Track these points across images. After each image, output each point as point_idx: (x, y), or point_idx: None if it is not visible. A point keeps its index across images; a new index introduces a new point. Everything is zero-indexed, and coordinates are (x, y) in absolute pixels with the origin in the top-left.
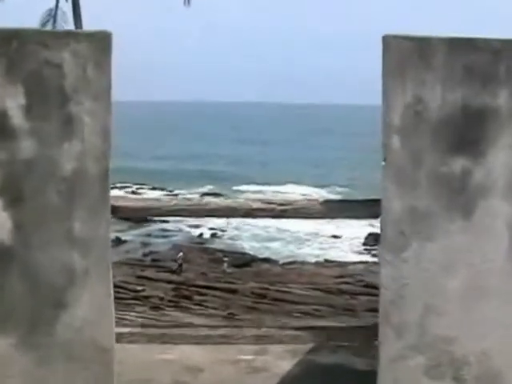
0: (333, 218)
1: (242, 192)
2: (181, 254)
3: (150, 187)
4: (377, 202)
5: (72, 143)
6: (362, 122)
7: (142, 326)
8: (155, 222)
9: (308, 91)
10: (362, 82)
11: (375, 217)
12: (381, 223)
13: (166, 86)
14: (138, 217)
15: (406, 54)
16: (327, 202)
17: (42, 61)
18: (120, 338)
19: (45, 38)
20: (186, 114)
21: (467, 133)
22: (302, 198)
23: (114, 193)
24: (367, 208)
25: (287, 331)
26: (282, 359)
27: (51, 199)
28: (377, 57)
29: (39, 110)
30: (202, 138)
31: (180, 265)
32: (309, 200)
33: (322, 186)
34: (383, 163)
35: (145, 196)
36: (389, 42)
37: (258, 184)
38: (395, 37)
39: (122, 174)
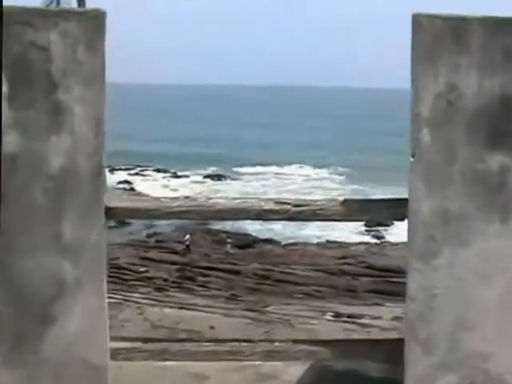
0: (355, 220)
1: (242, 174)
2: (188, 236)
3: (154, 169)
4: (403, 201)
5: (60, 136)
6: (358, 104)
7: (141, 340)
8: None
9: (304, 76)
10: (360, 67)
11: (401, 219)
12: (408, 226)
13: (161, 70)
14: (136, 219)
15: (438, 36)
16: (348, 201)
17: (26, 43)
18: (115, 354)
19: (29, 16)
20: (182, 98)
21: (506, 125)
22: (319, 197)
23: (119, 175)
24: (392, 209)
25: (301, 346)
26: (291, 365)
27: (37, 199)
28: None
29: (23, 98)
30: (201, 121)
31: (187, 246)
32: (328, 200)
33: (322, 166)
34: (411, 159)
35: (149, 177)
36: (420, 21)
37: (259, 165)
38: (427, 16)
39: (123, 157)
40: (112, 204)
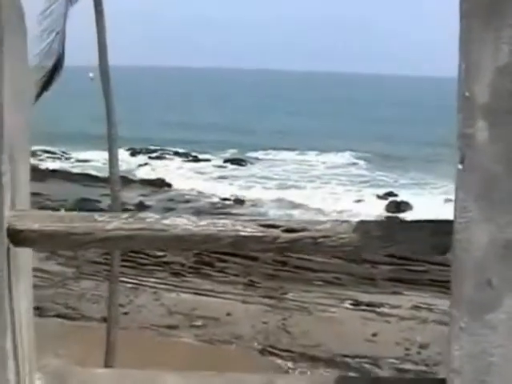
0: (374, 251)
1: (261, 159)
2: None
3: (175, 152)
4: (446, 225)
5: None
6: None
7: None
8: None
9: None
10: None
11: (442, 252)
12: (452, 264)
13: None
14: (54, 247)
15: None
16: (365, 224)
17: None
18: None
19: None
20: (185, 80)
21: None
22: (323, 219)
23: (140, 158)
24: (430, 238)
25: None
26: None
27: None
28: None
29: None
30: (212, 106)
31: None
32: (335, 222)
33: (343, 151)
34: (459, 166)
35: (170, 160)
36: None
37: (281, 150)
38: None
39: (144, 142)
40: (20, 225)
